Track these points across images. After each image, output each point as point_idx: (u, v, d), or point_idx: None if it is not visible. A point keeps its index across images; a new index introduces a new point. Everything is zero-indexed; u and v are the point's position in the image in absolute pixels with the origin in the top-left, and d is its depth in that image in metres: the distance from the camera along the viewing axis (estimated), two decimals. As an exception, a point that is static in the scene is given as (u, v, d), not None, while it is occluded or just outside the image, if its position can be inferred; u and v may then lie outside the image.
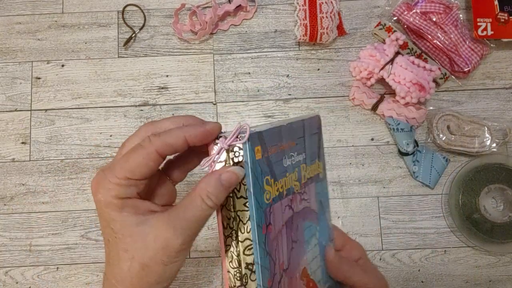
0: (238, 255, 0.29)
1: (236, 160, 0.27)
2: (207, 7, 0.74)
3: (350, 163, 0.71)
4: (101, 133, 0.72)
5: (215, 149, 0.28)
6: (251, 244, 0.28)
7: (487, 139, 0.69)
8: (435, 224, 0.69)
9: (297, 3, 0.72)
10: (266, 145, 0.29)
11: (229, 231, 0.29)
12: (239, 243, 0.28)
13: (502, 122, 0.70)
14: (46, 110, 0.72)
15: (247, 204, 0.28)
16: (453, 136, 0.69)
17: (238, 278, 0.29)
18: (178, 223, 0.27)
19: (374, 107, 0.70)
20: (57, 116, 0.72)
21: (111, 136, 0.72)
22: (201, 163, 0.29)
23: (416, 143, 0.69)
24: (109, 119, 0.72)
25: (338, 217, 0.69)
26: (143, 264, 0.27)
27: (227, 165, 0.28)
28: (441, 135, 0.69)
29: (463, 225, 0.68)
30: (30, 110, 0.72)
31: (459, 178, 0.69)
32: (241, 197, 0.28)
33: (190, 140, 0.28)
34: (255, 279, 0.28)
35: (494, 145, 0.69)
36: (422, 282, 0.68)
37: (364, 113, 0.72)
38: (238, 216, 0.28)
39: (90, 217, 0.69)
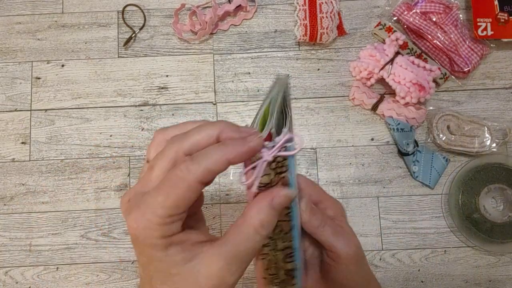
0: (276, 263, 0.28)
1: (279, 170, 0.25)
2: (207, 7, 0.74)
3: (350, 163, 0.71)
4: (101, 133, 0.72)
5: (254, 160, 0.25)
6: (291, 252, 0.27)
7: (487, 139, 0.69)
8: (435, 224, 0.69)
9: (297, 3, 0.72)
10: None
11: (267, 241, 0.27)
12: (279, 251, 0.27)
13: (502, 122, 0.70)
14: (46, 110, 0.72)
15: (289, 214, 0.26)
16: (453, 136, 0.69)
17: (277, 284, 0.28)
18: (232, 258, 0.25)
19: (374, 107, 0.70)
20: (57, 116, 0.72)
21: (111, 136, 0.72)
22: (240, 178, 0.26)
23: (416, 143, 0.69)
24: (109, 119, 0.72)
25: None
26: None
27: (271, 178, 0.25)
28: (441, 135, 0.69)
29: (463, 225, 0.68)
30: (30, 110, 0.72)
31: (459, 178, 0.69)
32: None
33: (233, 162, 0.25)
34: (295, 283, 0.28)
35: (494, 145, 0.69)
36: (422, 282, 0.68)
37: (364, 113, 0.72)
38: (280, 226, 0.27)
39: (90, 217, 0.69)
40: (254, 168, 0.25)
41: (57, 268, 0.68)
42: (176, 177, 0.25)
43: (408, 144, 0.68)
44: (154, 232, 0.25)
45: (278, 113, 0.26)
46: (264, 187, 0.26)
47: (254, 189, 0.26)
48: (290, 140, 0.24)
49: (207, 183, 0.25)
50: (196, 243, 0.26)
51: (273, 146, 0.25)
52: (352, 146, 0.71)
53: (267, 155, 0.24)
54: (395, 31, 0.72)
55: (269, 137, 0.25)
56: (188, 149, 0.26)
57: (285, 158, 0.25)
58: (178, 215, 0.25)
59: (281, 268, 0.28)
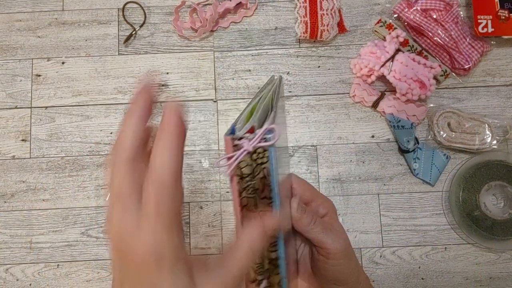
0: (261, 253, 0.28)
1: (260, 161, 0.26)
2: (207, 4, 0.74)
3: (351, 161, 0.71)
4: (101, 130, 0.72)
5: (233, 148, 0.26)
6: (275, 241, 0.28)
7: (487, 136, 0.69)
8: (435, 221, 0.69)
9: (298, 0, 0.72)
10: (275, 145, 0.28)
11: None
12: None
13: (503, 119, 0.70)
14: (46, 107, 0.72)
15: (271, 205, 0.27)
16: (453, 133, 0.69)
17: (260, 273, 0.29)
18: (229, 284, 0.24)
19: (375, 104, 0.70)
20: (57, 113, 0.72)
21: (111, 133, 0.72)
22: (219, 162, 0.27)
23: (416, 140, 0.69)
24: (110, 117, 0.72)
25: (339, 214, 0.69)
26: None
27: (253, 169, 0.26)
28: (441, 132, 0.69)
29: (463, 222, 0.68)
30: (31, 107, 0.72)
31: (459, 175, 0.69)
32: (265, 197, 0.27)
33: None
34: (279, 273, 0.29)
35: (494, 142, 0.69)
36: (423, 279, 0.68)
37: (364, 110, 0.72)
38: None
39: (91, 214, 0.69)
40: (232, 158, 0.26)
41: (58, 265, 0.68)
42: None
43: (408, 141, 0.68)
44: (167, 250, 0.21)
45: (264, 110, 0.26)
46: (246, 196, 0.27)
47: (234, 184, 0.26)
48: (270, 131, 0.25)
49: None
50: (196, 268, 0.24)
51: (254, 138, 0.25)
52: (353, 143, 0.71)
53: (247, 145, 0.25)
54: (395, 28, 0.72)
55: (252, 131, 0.26)
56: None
57: (265, 149, 0.25)
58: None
59: (265, 257, 0.28)
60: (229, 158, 0.26)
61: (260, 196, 0.27)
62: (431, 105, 0.71)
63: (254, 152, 0.26)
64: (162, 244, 0.21)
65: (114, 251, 0.23)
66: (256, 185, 0.27)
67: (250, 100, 0.29)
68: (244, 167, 0.26)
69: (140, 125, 0.24)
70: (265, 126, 0.25)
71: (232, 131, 0.26)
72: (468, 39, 0.71)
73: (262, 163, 0.26)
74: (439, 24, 0.71)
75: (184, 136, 0.23)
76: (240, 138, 0.26)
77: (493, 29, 0.70)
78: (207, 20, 0.71)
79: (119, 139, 0.24)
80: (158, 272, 0.21)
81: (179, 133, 0.23)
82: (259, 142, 0.25)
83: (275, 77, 0.32)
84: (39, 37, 0.74)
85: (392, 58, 0.68)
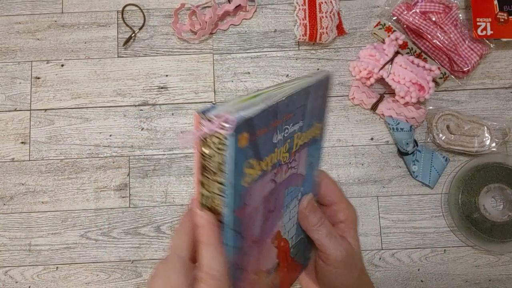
0: (211, 198, 0.29)
1: (219, 147, 0.26)
2: (207, 7, 0.74)
3: (350, 163, 0.71)
4: (100, 132, 0.72)
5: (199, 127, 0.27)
6: (223, 189, 0.28)
7: (486, 138, 0.69)
8: (434, 223, 0.69)
9: (297, 3, 0.72)
10: (255, 128, 0.27)
11: (205, 207, 0.29)
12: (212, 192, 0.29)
13: (502, 122, 0.70)
14: (45, 110, 0.72)
15: (222, 190, 0.27)
16: (452, 135, 0.69)
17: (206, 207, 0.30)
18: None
19: (374, 107, 0.70)
20: (56, 116, 0.72)
21: (110, 135, 0.72)
22: (181, 141, 0.28)
23: (415, 142, 0.69)
24: (109, 119, 0.72)
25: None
26: None
27: (211, 150, 0.27)
28: (440, 135, 0.69)
29: (462, 225, 0.68)
30: (30, 110, 0.72)
31: (458, 178, 0.69)
32: (217, 181, 0.27)
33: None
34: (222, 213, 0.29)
35: (493, 144, 0.69)
36: (422, 281, 0.68)
37: (363, 112, 0.72)
38: (213, 198, 0.28)
39: (90, 216, 0.69)
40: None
41: (57, 267, 0.68)
42: None
43: (407, 143, 0.68)
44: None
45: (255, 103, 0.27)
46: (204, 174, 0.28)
47: (196, 159, 0.27)
48: (227, 121, 0.25)
49: None
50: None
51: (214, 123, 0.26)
52: (352, 145, 0.71)
53: (206, 127, 0.26)
54: (394, 30, 0.72)
55: (222, 116, 0.26)
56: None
57: (225, 137, 0.26)
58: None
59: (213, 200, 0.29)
60: (193, 134, 0.27)
61: (212, 178, 0.28)
62: (430, 107, 0.71)
63: (218, 138, 0.26)
64: None
65: None
66: (212, 168, 0.27)
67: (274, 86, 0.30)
68: (204, 146, 0.27)
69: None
70: (231, 115, 0.25)
71: (206, 110, 0.27)
72: (467, 42, 0.71)
73: (219, 149, 0.26)
74: (438, 27, 0.71)
75: (218, 229, 0.29)
76: (208, 119, 0.26)
77: (492, 32, 0.70)
78: (206, 22, 0.71)
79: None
80: None
81: (212, 228, 0.28)
82: (218, 128, 0.25)
83: (321, 74, 0.32)
84: (38, 39, 0.74)
85: (391, 60, 0.68)
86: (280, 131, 0.30)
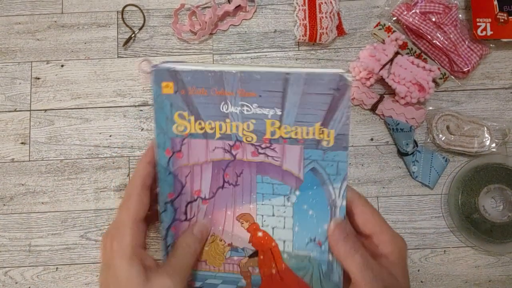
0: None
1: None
2: (207, 7, 0.74)
3: (350, 163, 0.71)
4: (100, 133, 0.72)
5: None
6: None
7: (486, 139, 0.69)
8: (434, 224, 0.69)
9: (297, 3, 0.72)
10: (185, 84, 0.32)
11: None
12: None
13: (502, 122, 0.70)
14: (45, 110, 0.72)
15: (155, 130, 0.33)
16: (452, 136, 0.69)
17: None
18: (177, 275, 0.31)
19: (374, 107, 0.70)
20: (56, 116, 0.72)
21: (110, 136, 0.72)
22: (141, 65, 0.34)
23: (415, 143, 0.69)
24: (109, 119, 0.72)
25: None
26: None
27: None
28: (440, 135, 0.69)
29: (462, 225, 0.68)
30: (30, 110, 0.72)
31: (458, 178, 0.69)
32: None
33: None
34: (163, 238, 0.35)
35: (493, 145, 0.69)
36: (422, 282, 0.68)
37: (363, 113, 0.72)
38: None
39: (90, 217, 0.69)
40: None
41: (57, 268, 0.68)
42: None
43: (407, 144, 0.68)
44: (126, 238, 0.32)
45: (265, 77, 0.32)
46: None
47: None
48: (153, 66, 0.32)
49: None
50: (151, 266, 0.32)
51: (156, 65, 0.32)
52: (352, 146, 0.71)
53: (146, 66, 0.32)
54: (394, 31, 0.72)
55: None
56: None
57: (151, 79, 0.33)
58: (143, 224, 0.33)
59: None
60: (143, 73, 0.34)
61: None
62: (430, 108, 0.71)
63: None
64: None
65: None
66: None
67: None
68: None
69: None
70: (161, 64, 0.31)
71: (168, 62, 0.32)
72: (467, 42, 0.71)
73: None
74: (438, 27, 0.71)
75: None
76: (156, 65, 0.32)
77: (492, 32, 0.70)
78: (206, 23, 0.71)
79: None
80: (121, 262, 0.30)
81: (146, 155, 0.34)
82: (148, 71, 0.32)
83: (328, 71, 0.32)
84: (38, 40, 0.74)
85: (391, 61, 0.68)
86: (234, 104, 0.33)
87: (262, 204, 0.35)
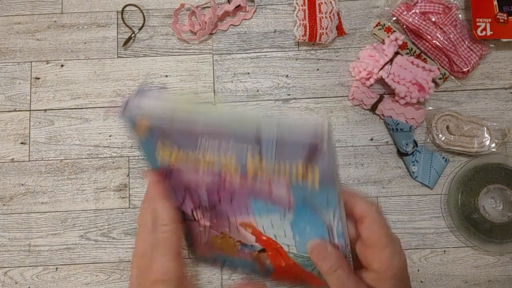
0: None
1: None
2: (206, 7, 0.74)
3: (349, 163, 0.71)
4: (100, 133, 0.72)
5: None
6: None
7: (486, 139, 0.69)
8: (434, 224, 0.69)
9: (297, 3, 0.72)
10: (159, 120, 0.32)
11: None
12: None
13: (501, 122, 0.70)
14: (45, 110, 0.72)
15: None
16: (452, 136, 0.69)
17: None
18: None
19: (373, 107, 0.70)
20: (56, 116, 0.72)
21: (110, 136, 0.72)
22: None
23: (415, 143, 0.69)
24: (109, 119, 0.72)
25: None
26: None
27: None
28: (440, 135, 0.69)
29: (462, 225, 0.68)
30: (30, 110, 0.72)
31: (458, 178, 0.69)
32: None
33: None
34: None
35: (493, 145, 0.69)
36: (422, 282, 0.68)
37: (363, 113, 0.72)
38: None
39: (89, 217, 0.69)
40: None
41: (57, 268, 0.68)
42: None
43: (407, 144, 0.68)
44: None
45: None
46: None
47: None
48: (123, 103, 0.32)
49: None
50: None
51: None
52: (352, 146, 0.71)
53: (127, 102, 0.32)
54: (394, 31, 0.72)
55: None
56: None
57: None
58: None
59: None
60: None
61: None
62: (430, 108, 0.71)
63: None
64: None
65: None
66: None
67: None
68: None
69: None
70: (130, 101, 0.32)
71: (144, 89, 0.34)
72: (467, 42, 0.71)
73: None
74: (438, 27, 0.71)
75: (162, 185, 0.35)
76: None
77: (491, 32, 0.70)
78: (206, 23, 0.71)
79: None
80: None
81: (156, 185, 0.35)
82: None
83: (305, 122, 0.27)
84: (38, 40, 0.74)
85: (391, 61, 0.68)
86: (209, 144, 0.31)
87: (260, 219, 0.35)
